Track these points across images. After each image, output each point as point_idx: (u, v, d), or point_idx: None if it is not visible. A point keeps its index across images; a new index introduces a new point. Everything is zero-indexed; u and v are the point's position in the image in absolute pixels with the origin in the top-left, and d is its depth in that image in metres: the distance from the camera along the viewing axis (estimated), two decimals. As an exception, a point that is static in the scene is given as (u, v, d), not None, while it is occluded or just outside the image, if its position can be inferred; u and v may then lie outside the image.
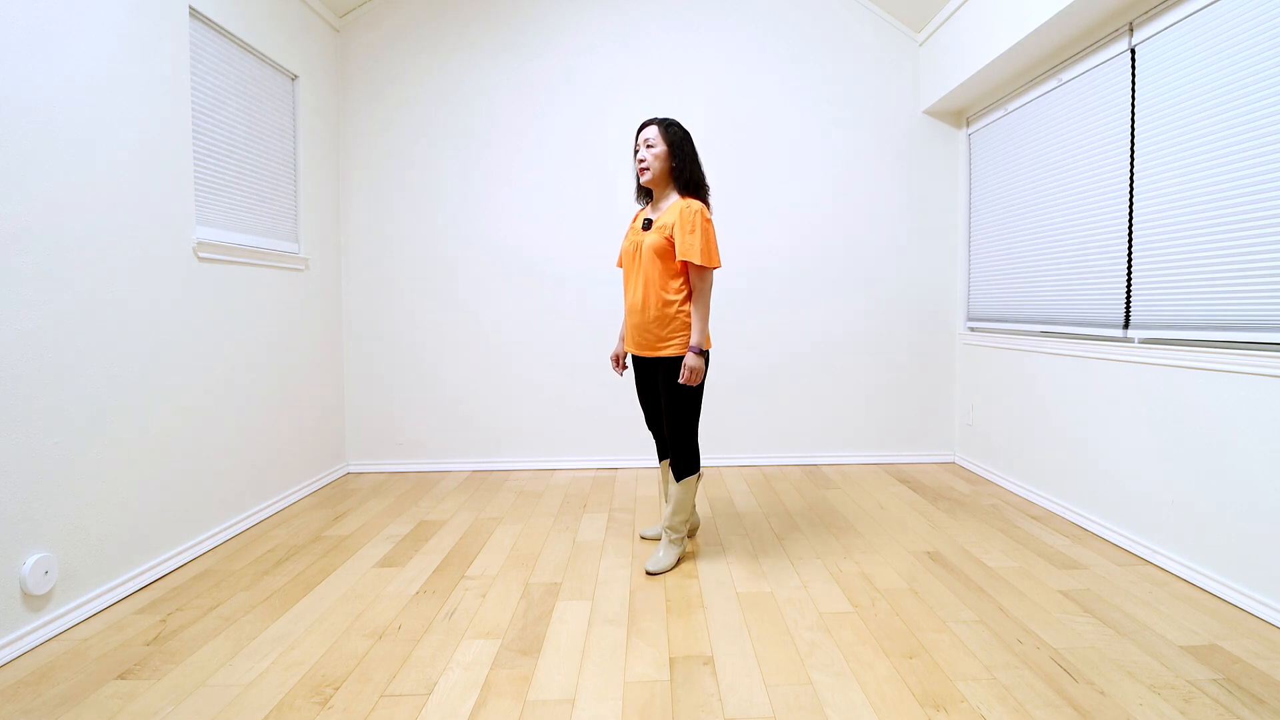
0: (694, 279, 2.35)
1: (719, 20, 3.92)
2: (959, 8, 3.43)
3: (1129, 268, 2.64)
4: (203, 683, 1.74)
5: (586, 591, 2.29)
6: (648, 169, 2.39)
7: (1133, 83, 2.60)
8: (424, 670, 1.79)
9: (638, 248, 2.42)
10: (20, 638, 1.90)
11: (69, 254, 2.07)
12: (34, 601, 1.95)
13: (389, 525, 2.98)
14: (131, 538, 2.31)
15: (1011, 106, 3.41)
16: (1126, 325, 2.66)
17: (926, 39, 3.83)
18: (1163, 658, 1.82)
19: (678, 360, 2.38)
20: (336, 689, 1.71)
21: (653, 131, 2.39)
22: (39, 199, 1.97)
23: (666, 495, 2.58)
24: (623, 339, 2.66)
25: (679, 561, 2.51)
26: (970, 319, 3.92)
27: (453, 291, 3.93)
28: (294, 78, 3.41)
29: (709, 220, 2.33)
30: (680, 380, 2.32)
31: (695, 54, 3.92)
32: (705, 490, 3.50)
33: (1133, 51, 2.60)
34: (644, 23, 3.91)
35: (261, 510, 3.06)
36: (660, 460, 2.72)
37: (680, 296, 2.37)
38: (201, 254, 2.67)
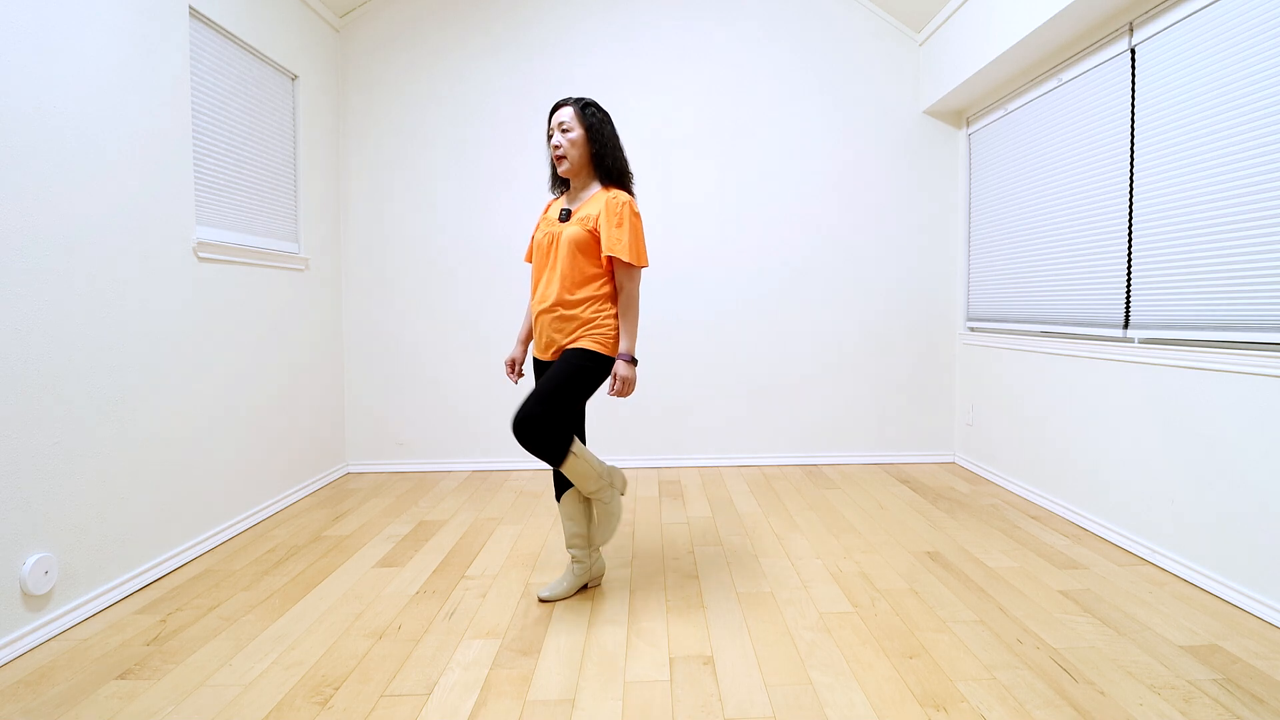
0: (621, 278, 2.11)
1: (719, 20, 3.92)
2: (959, 8, 3.43)
3: (1129, 268, 2.64)
4: (203, 683, 1.74)
5: (586, 591, 2.29)
6: (564, 157, 2.11)
7: (1133, 83, 2.60)
8: (424, 670, 1.79)
9: (553, 240, 2.14)
10: (20, 638, 1.90)
11: (69, 254, 2.07)
12: (34, 601, 1.95)
13: (389, 525, 2.98)
14: (131, 538, 2.31)
15: (1011, 106, 3.41)
16: (1126, 325, 2.66)
17: (926, 39, 3.83)
18: (1163, 658, 1.82)
19: (595, 355, 2.08)
20: (336, 689, 1.71)
21: (568, 114, 2.10)
22: (39, 199, 1.97)
23: (577, 524, 2.23)
24: (521, 342, 2.36)
25: (619, 517, 2.29)
26: (970, 319, 3.92)
27: (453, 291, 3.93)
28: (294, 78, 3.41)
29: (638, 214, 2.11)
30: (611, 392, 2.06)
31: (696, 54, 3.92)
32: (705, 490, 3.50)
33: (1133, 51, 2.60)
34: (645, 22, 3.91)
35: (261, 510, 3.06)
36: (562, 490, 2.24)
37: (600, 295, 2.11)
38: (201, 254, 2.66)
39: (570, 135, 2.11)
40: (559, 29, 3.88)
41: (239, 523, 2.89)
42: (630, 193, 2.18)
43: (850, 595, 2.24)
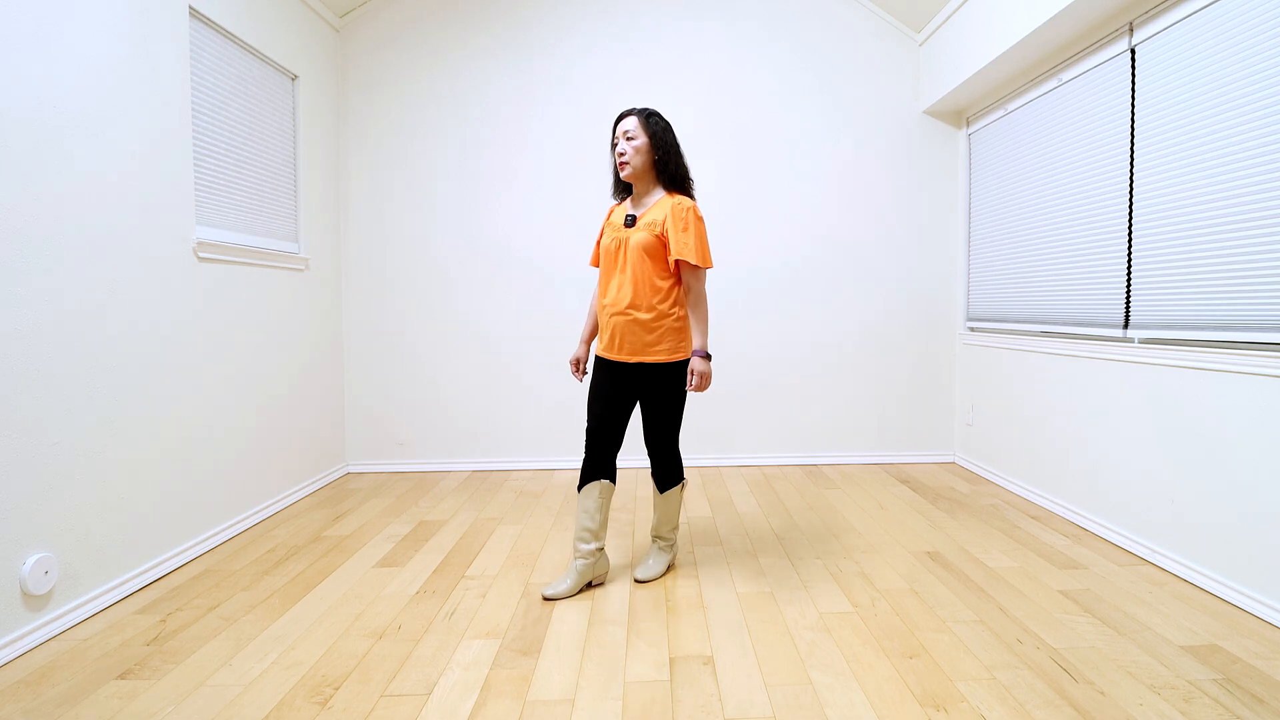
0: (689, 280, 2.23)
1: (719, 20, 3.92)
2: (959, 8, 3.43)
3: (1129, 268, 2.64)
4: (203, 683, 1.74)
5: (586, 591, 2.29)
6: (628, 163, 2.22)
7: (1133, 83, 2.60)
8: (424, 670, 1.79)
9: (621, 245, 2.25)
10: (20, 638, 1.90)
11: (69, 254, 2.07)
12: (34, 601, 1.95)
13: (389, 525, 2.98)
14: (131, 538, 2.31)
15: (1011, 106, 3.41)
16: (1126, 325, 2.66)
17: (926, 39, 3.83)
18: (1163, 658, 1.82)
19: (667, 366, 2.24)
20: (336, 689, 1.71)
21: (632, 123, 2.22)
22: (40, 199, 1.97)
23: (592, 518, 2.27)
24: (585, 342, 2.46)
25: (668, 569, 2.47)
26: (970, 319, 3.92)
27: (453, 291, 3.93)
28: (294, 78, 3.41)
29: (701, 218, 2.22)
30: (690, 387, 2.20)
31: (695, 54, 3.92)
32: (705, 490, 3.50)
33: (1133, 51, 2.60)
34: (644, 23, 3.91)
35: (261, 510, 3.06)
36: (588, 481, 2.29)
37: (672, 298, 2.24)
38: (201, 254, 2.66)
39: (635, 143, 2.22)
40: (559, 29, 3.88)
41: (239, 523, 2.89)
42: (691, 197, 2.29)
43: (850, 595, 2.24)
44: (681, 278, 2.27)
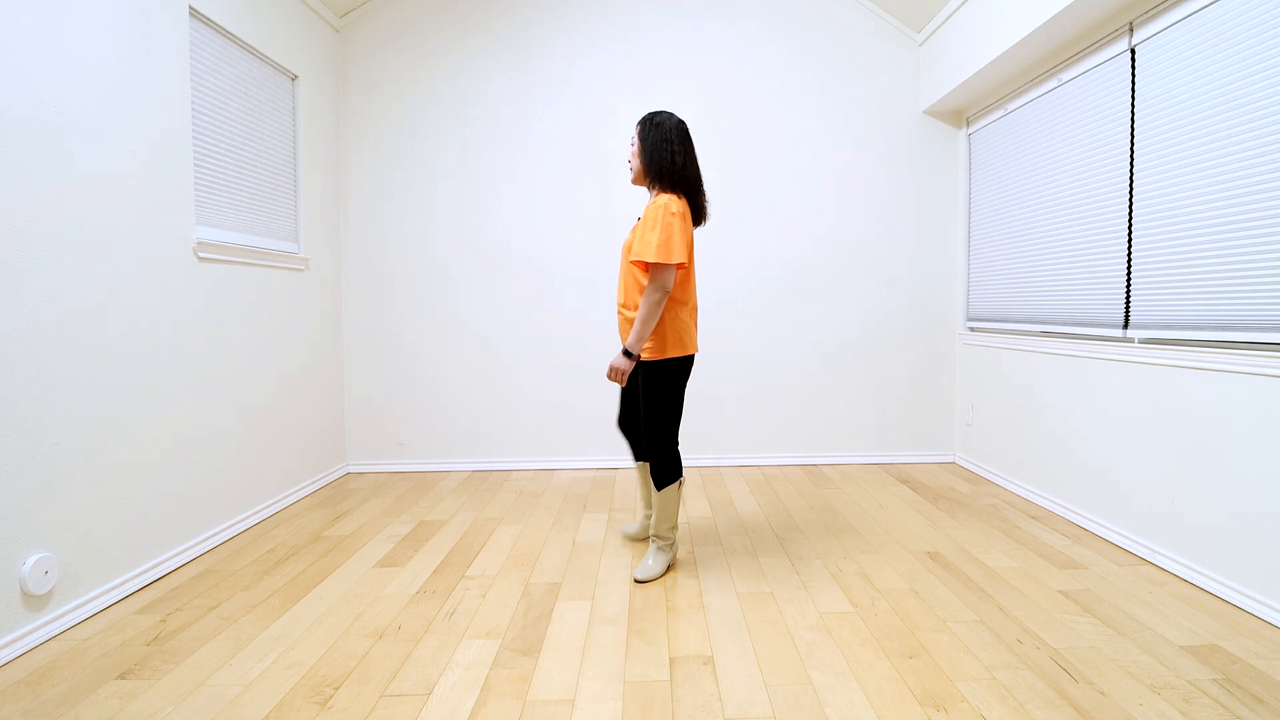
0: (649, 275, 2.19)
1: (719, 20, 3.92)
2: (959, 8, 3.43)
3: (1129, 268, 2.64)
4: (203, 683, 1.74)
5: (586, 591, 2.29)
6: (631, 171, 2.37)
7: (1133, 83, 2.60)
8: (424, 670, 1.79)
9: (625, 247, 2.43)
10: (20, 638, 1.90)
11: (69, 254, 2.07)
12: (34, 601, 1.95)
13: (389, 525, 2.98)
14: (131, 538, 2.31)
15: (1011, 106, 3.41)
16: (1126, 325, 2.66)
17: (926, 39, 3.83)
18: (1163, 658, 1.82)
19: (648, 364, 2.29)
20: (336, 689, 1.71)
21: (634, 131, 2.35)
22: (40, 199, 1.97)
23: (646, 497, 2.66)
24: None
25: (668, 569, 2.47)
26: (970, 319, 3.92)
27: (453, 292, 3.93)
28: (294, 78, 3.41)
29: (674, 214, 2.16)
30: (607, 373, 2.29)
31: (695, 54, 3.92)
32: (705, 490, 3.50)
33: (1133, 51, 2.60)
34: (644, 23, 3.91)
35: (261, 510, 3.06)
36: (637, 460, 2.65)
37: None
38: (201, 254, 2.66)
39: (632, 149, 2.35)
40: (559, 29, 3.88)
41: (239, 523, 2.89)
42: (683, 192, 2.27)
43: (850, 595, 2.24)
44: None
